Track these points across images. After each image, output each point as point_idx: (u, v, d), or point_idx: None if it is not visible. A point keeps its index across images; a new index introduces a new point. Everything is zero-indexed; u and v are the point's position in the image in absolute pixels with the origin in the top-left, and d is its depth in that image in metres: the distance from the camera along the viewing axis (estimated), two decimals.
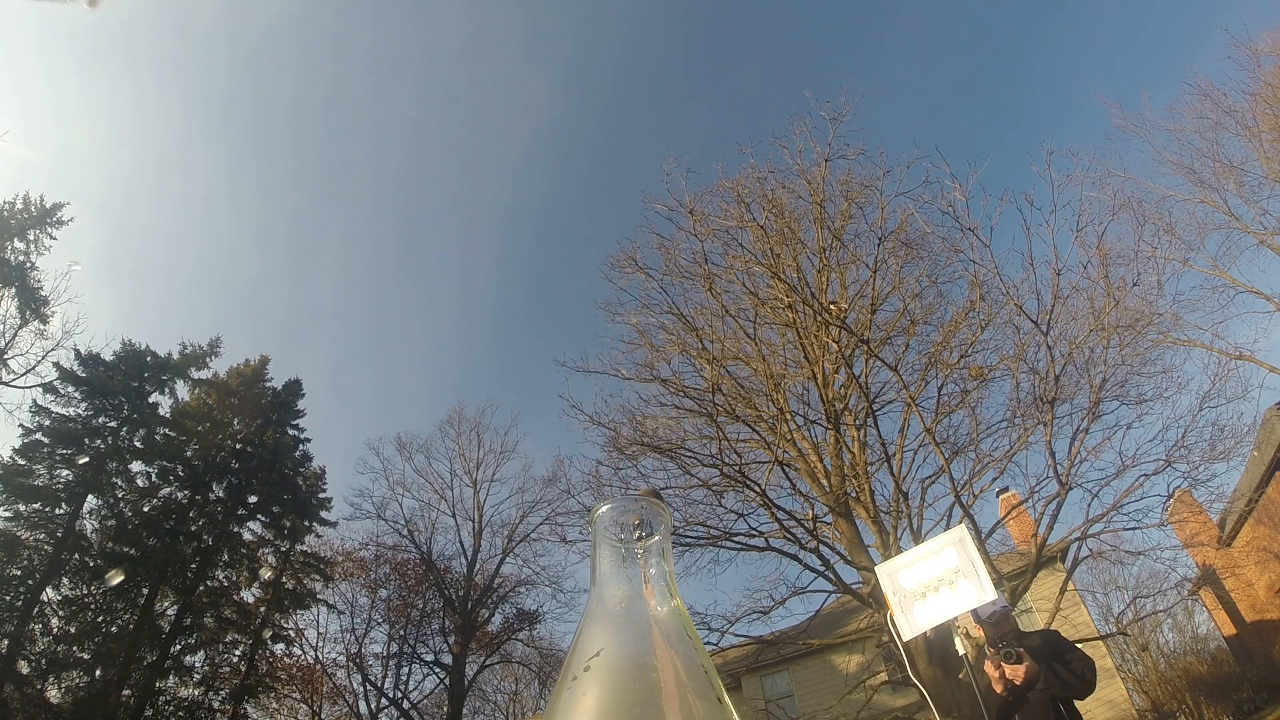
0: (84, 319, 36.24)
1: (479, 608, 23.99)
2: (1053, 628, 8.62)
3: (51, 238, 20.29)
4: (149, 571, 19.37)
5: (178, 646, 20.00)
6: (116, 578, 18.05)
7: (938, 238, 12.07)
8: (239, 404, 23.58)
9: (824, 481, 11.40)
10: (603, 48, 61.75)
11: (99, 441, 20.27)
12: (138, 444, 21.18)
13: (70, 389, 20.44)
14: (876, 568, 4.84)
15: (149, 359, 22.14)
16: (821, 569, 10.54)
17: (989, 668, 3.67)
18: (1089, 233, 11.22)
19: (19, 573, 17.77)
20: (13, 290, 19.21)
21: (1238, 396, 11.52)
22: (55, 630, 18.04)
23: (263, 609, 21.95)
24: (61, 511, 18.87)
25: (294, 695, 22.65)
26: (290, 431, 24.65)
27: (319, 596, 23.42)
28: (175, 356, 22.70)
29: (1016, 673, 3.49)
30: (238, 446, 23.17)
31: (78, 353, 20.73)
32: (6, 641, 16.70)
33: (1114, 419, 11.22)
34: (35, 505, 18.56)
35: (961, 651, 4.49)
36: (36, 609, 17.60)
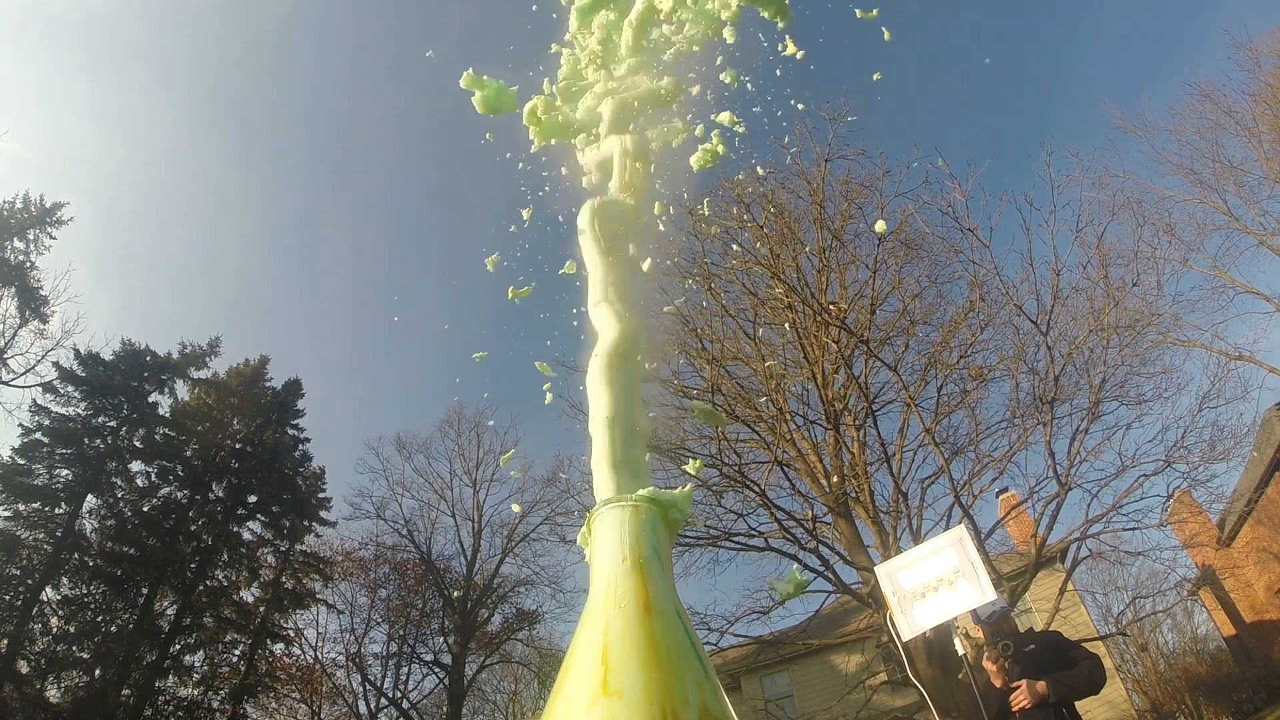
0: (84, 318, 36.40)
1: (478, 608, 23.97)
2: (1053, 629, 8.61)
3: (51, 237, 20.28)
4: (149, 571, 19.35)
5: (177, 646, 19.98)
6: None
7: (937, 238, 12.09)
8: (239, 404, 23.56)
9: (824, 481, 11.40)
10: None
11: (98, 441, 20.25)
12: (137, 444, 21.17)
13: (70, 389, 20.42)
14: (876, 568, 4.84)
15: (149, 359, 22.12)
16: (821, 569, 10.54)
17: (987, 663, 3.69)
18: (1089, 233, 11.24)
19: (18, 572, 17.75)
20: (12, 290, 19.20)
21: (1237, 397, 11.57)
22: (55, 630, 18.03)
23: (262, 609, 21.94)
24: (61, 511, 18.85)
25: (293, 695, 22.64)
26: (290, 431, 24.63)
27: (318, 596, 23.41)
28: (175, 356, 22.69)
29: (1026, 696, 3.48)
30: (237, 446, 23.16)
31: (77, 352, 20.73)
32: (6, 641, 16.68)
33: (1114, 419, 11.26)
34: (35, 505, 18.54)
35: (961, 652, 4.49)
36: (36, 609, 17.58)
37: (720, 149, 2.92)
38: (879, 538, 10.60)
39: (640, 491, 1.06)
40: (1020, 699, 3.47)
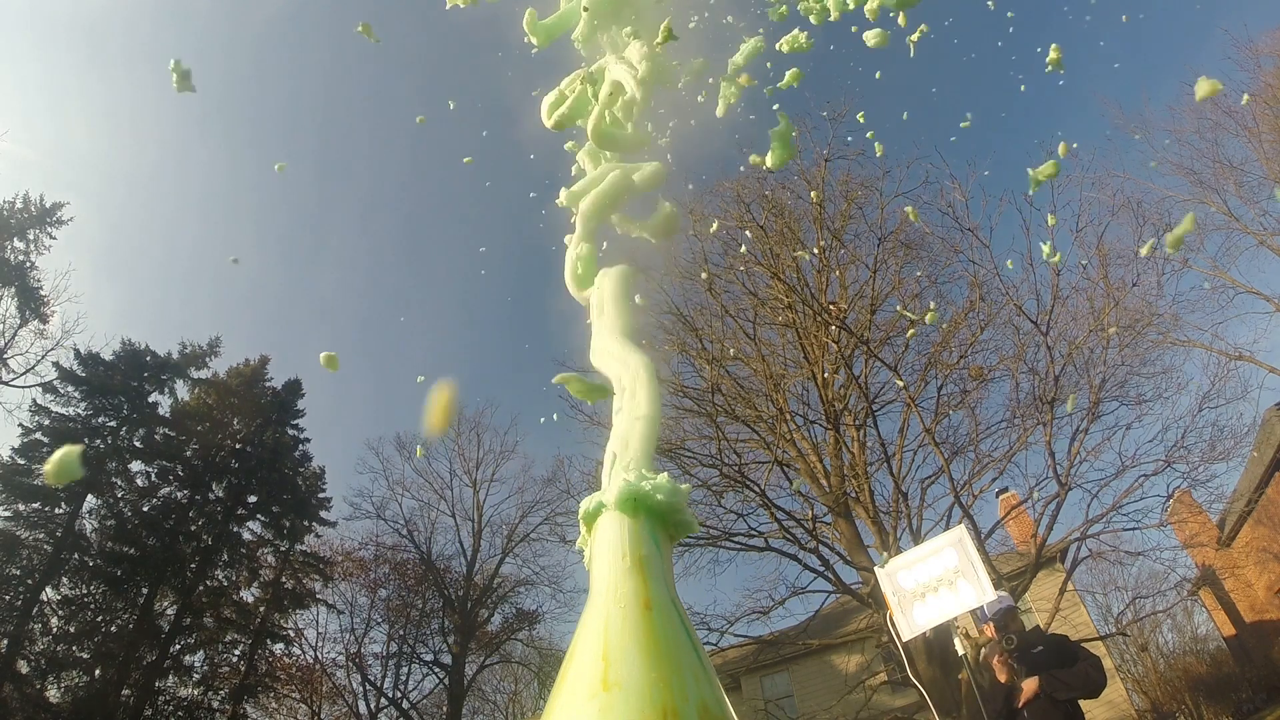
0: (84, 318, 36.29)
1: (479, 608, 23.96)
2: (1054, 630, 8.63)
3: (51, 237, 20.29)
4: (149, 571, 19.34)
5: (177, 646, 19.98)
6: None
7: (937, 238, 12.11)
8: (239, 404, 23.55)
9: (824, 481, 11.40)
10: None
11: (99, 441, 20.24)
12: (137, 444, 21.16)
13: (70, 389, 20.42)
14: (876, 569, 4.85)
15: (149, 359, 22.12)
16: (821, 569, 10.55)
17: (995, 659, 3.74)
18: (1089, 233, 11.26)
19: (19, 572, 17.74)
20: (13, 290, 19.20)
21: (1237, 397, 11.55)
22: (55, 630, 18.02)
23: (262, 609, 21.93)
24: (61, 511, 18.85)
25: (293, 695, 22.62)
26: (290, 431, 24.63)
27: (318, 596, 23.40)
28: (175, 356, 22.69)
29: (1027, 688, 3.57)
30: (237, 446, 23.15)
31: (77, 352, 20.73)
32: (6, 641, 16.68)
33: (1114, 419, 11.25)
34: (35, 505, 18.54)
35: (961, 652, 4.50)
36: (36, 609, 17.58)
37: (744, 83, 2.90)
38: (879, 538, 10.60)
39: (645, 486, 1.07)
40: (1021, 696, 3.58)
